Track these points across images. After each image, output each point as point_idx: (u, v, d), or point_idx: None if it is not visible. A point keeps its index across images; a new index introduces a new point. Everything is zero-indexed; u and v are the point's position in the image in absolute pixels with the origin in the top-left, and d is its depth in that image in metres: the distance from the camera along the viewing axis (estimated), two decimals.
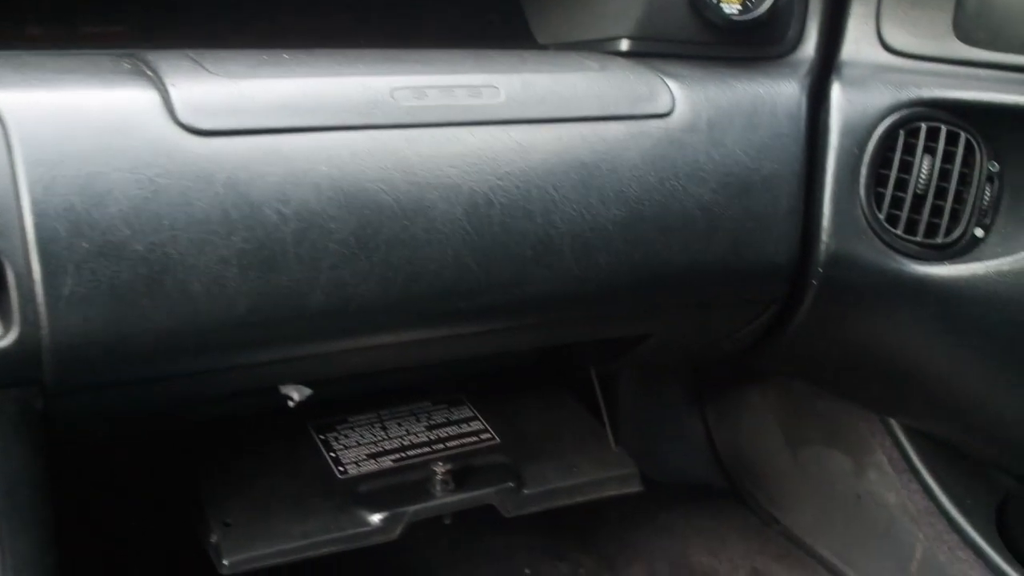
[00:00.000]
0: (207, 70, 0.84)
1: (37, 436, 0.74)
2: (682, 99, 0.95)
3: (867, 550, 1.25)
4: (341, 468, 1.02)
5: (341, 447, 1.05)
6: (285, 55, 0.92)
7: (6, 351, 0.69)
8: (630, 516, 1.54)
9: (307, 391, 0.90)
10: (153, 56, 0.85)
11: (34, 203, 0.70)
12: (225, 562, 0.88)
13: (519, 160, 0.87)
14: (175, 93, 0.78)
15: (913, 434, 1.17)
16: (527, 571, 1.56)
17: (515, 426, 1.11)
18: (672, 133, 0.94)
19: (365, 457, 1.04)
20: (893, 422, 1.17)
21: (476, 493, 1.00)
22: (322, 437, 1.06)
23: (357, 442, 1.06)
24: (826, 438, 1.29)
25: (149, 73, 0.82)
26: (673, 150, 0.93)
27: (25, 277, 0.69)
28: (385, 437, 1.07)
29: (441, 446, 1.06)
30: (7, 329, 0.69)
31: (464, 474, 1.01)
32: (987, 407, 0.93)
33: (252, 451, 1.02)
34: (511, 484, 1.01)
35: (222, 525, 0.91)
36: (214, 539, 0.90)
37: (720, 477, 1.52)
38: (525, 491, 1.02)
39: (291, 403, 0.90)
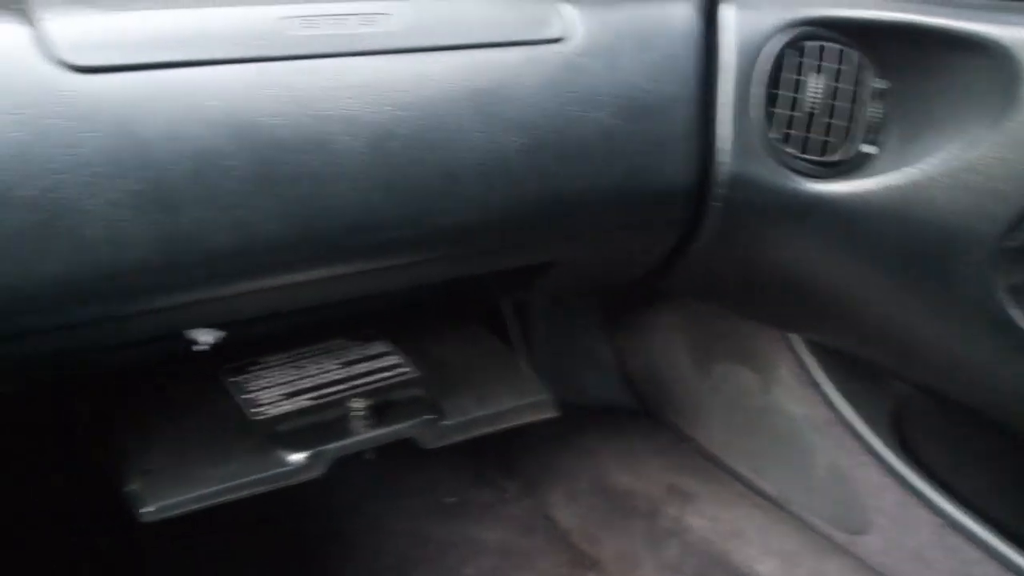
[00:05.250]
0: (79, 2, 0.80)
1: None
2: (576, 23, 0.95)
3: (776, 461, 1.30)
4: (256, 409, 1.01)
5: (255, 389, 1.04)
6: None
7: None
8: (551, 440, 1.58)
9: (218, 334, 0.89)
10: None
11: None
12: (148, 509, 0.87)
13: (417, 90, 0.86)
14: (49, 28, 0.75)
15: (815, 348, 1.21)
16: (452, 499, 1.59)
17: (431, 359, 1.12)
18: (568, 58, 0.94)
19: (280, 397, 1.03)
20: (795, 337, 1.22)
21: (396, 427, 1.00)
22: (234, 380, 1.05)
23: (271, 383, 1.05)
24: (733, 356, 1.33)
25: (13, 6, 0.78)
26: (570, 75, 0.93)
27: None
28: (299, 376, 1.07)
29: (358, 382, 1.06)
30: None
31: (383, 409, 1.01)
32: (880, 318, 0.97)
33: (163, 398, 1.01)
34: (430, 416, 1.02)
35: (139, 473, 0.90)
36: (132, 487, 0.89)
37: (633, 399, 1.56)
38: (444, 423, 1.03)
39: (201, 347, 0.89)
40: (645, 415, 1.54)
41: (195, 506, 0.89)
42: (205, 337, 0.88)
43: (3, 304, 0.71)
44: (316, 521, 1.52)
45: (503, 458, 1.64)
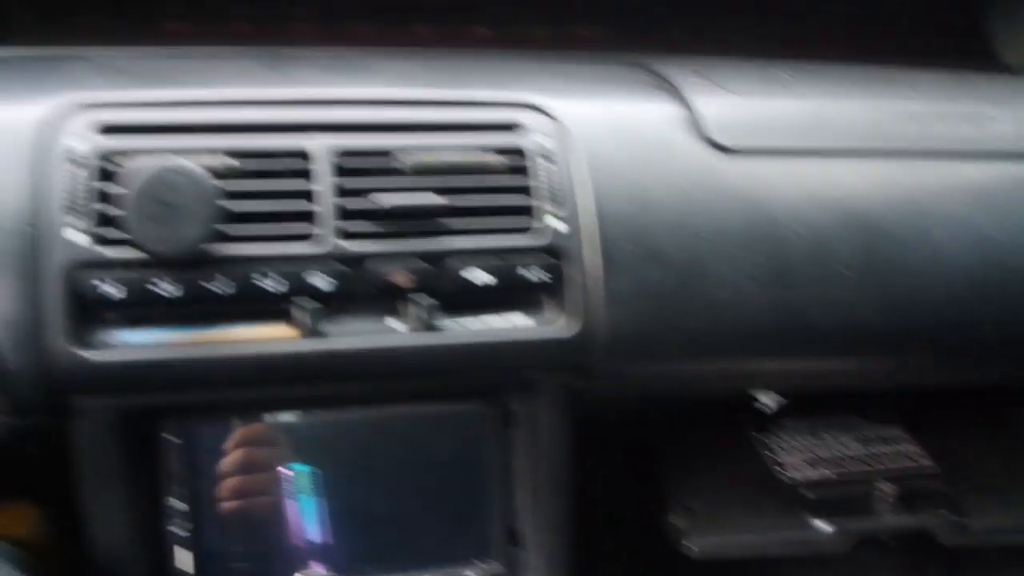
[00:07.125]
0: (719, 86, 0.90)
1: (570, 416, 0.84)
2: None
3: None
4: (783, 471, 1.06)
5: (780, 449, 1.09)
6: (782, 74, 0.97)
7: (570, 341, 0.78)
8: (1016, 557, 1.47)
9: (783, 400, 0.95)
10: (662, 69, 0.93)
11: (598, 208, 0.79)
12: (693, 547, 0.95)
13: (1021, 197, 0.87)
14: (700, 110, 0.85)
15: None
16: None
17: (948, 452, 1.10)
18: None
19: (802, 463, 1.07)
20: None
21: (922, 517, 1.00)
22: (758, 436, 1.11)
23: (793, 446, 1.09)
24: None
25: (668, 87, 0.89)
26: None
27: (590, 276, 0.78)
28: (819, 445, 1.10)
29: (879, 464, 1.07)
30: (571, 321, 0.78)
31: (906, 496, 1.02)
32: None
33: (700, 443, 1.09)
34: (955, 515, 1.01)
35: (685, 509, 0.99)
36: (678, 522, 0.98)
37: None
38: (968, 523, 1.01)
39: (768, 411, 0.94)
40: None
41: (734, 552, 0.96)
42: (772, 403, 0.94)
43: (648, 348, 0.81)
44: None
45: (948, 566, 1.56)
